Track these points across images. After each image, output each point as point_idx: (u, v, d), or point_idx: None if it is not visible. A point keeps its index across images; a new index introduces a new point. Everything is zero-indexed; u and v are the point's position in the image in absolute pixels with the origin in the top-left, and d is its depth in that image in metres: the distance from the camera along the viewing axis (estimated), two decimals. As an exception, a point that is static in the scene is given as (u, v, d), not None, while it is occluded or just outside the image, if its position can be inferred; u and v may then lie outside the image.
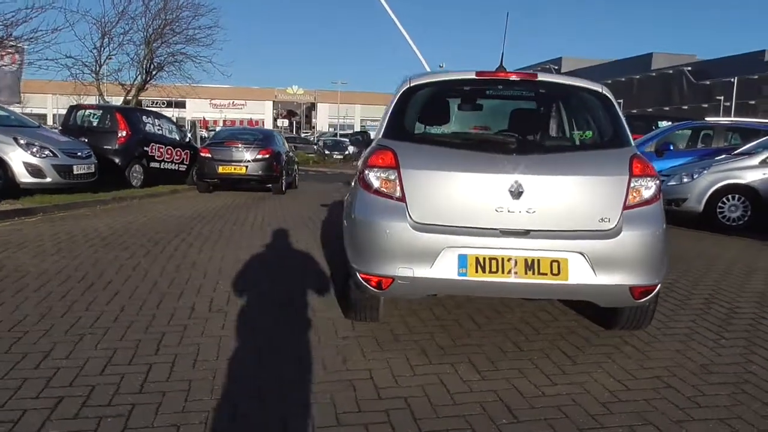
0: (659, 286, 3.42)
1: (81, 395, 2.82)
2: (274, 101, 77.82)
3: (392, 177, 3.38)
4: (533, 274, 3.23)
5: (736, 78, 37.92)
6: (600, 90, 3.67)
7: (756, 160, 8.75)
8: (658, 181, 3.40)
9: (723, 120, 16.10)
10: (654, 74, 67.61)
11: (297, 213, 9.71)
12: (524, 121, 4.01)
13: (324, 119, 78.24)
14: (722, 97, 40.70)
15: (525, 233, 3.27)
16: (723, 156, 9.64)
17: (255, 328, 3.85)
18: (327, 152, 35.03)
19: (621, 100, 66.90)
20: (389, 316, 3.98)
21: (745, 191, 8.69)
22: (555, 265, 3.23)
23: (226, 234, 7.25)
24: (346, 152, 36.01)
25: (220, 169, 12.69)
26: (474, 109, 4.18)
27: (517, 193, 3.25)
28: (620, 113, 3.62)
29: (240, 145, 12.90)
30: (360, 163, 3.64)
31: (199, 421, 2.61)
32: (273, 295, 4.57)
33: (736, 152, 9.62)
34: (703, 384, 3.10)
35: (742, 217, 8.74)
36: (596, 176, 3.34)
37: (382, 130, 3.66)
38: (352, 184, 3.86)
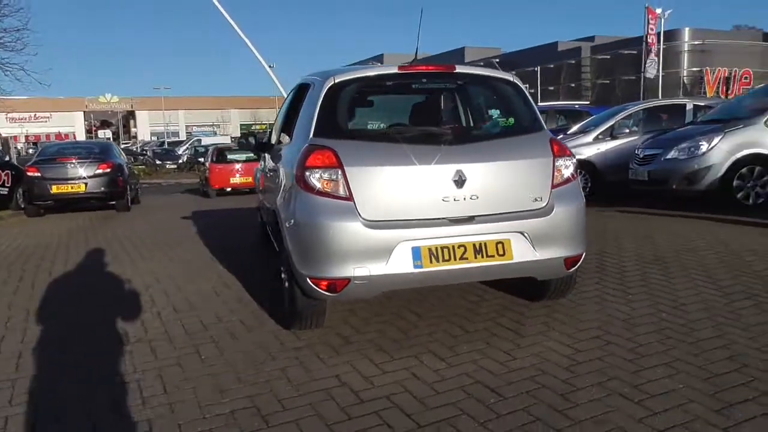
0: (584, 254, 3.75)
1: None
2: (85, 112, 71.21)
3: (336, 176, 3.31)
4: (482, 257, 3.36)
5: (539, 67, 42.06)
6: (511, 79, 3.91)
7: (590, 137, 9.85)
8: (574, 160, 3.71)
9: (555, 104, 17.90)
10: (466, 67, 72.77)
11: (164, 229, 9.03)
12: (447, 111, 4.14)
13: (145, 128, 73.23)
14: (528, 85, 44.91)
15: (470, 219, 3.39)
16: (560, 136, 10.71)
17: (196, 356, 3.55)
18: (159, 162, 32.92)
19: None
20: (329, 320, 3.89)
21: (585, 165, 9.74)
22: (500, 246, 3.39)
23: (98, 262, 6.53)
24: (180, 161, 34.22)
25: (55, 189, 11.35)
26: (397, 103, 4.23)
27: (460, 182, 3.35)
28: (531, 100, 3.89)
29: (75, 161, 11.63)
30: (294, 165, 3.50)
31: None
32: (197, 318, 4.24)
33: (570, 132, 10.74)
34: (635, 336, 3.46)
35: (584, 189, 9.79)
36: (526, 159, 3.56)
37: (312, 128, 3.55)
38: (283, 187, 3.70)
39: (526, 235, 3.43)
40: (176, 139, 57.15)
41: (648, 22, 21.73)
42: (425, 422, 2.63)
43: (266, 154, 5.74)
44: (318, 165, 3.35)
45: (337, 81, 3.64)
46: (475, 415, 2.67)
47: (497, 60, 70.09)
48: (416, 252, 3.28)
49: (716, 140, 7.21)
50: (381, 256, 3.25)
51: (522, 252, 3.42)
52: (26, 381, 3.23)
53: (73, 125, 70.37)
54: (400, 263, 3.26)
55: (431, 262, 3.29)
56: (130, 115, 76.54)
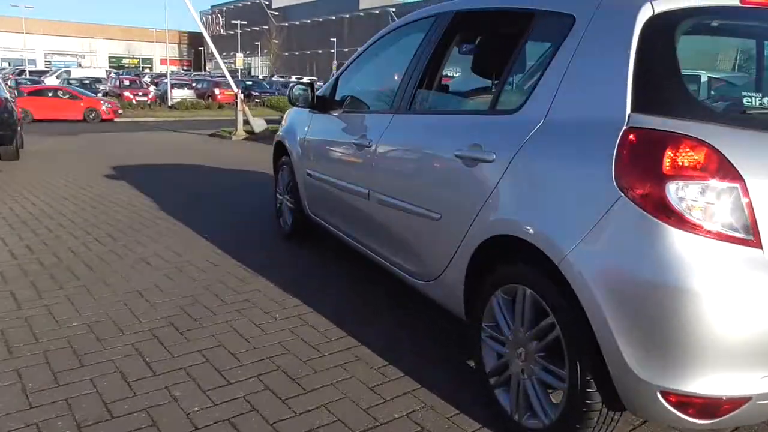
0: None
1: None
2: None
3: (730, 198, 1.68)
4: None
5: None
6: None
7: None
8: None
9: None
10: (362, 14, 70.33)
11: (101, 189, 6.60)
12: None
13: (-8, 51, 63.39)
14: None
15: None
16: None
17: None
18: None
19: (334, 39, 68.59)
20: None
21: None
22: None
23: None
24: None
25: None
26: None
27: None
28: None
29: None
30: (604, 163, 1.81)
31: None
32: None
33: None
34: None
35: None
36: None
37: (627, 96, 1.86)
38: (589, 203, 1.94)
39: None
40: (33, 68, 49.78)
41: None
42: None
43: (322, 115, 3.93)
44: (689, 174, 1.69)
45: (659, 11, 1.94)
46: None
47: (393, 10, 68.80)
48: None
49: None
50: None
51: None
52: None
53: None
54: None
55: None
56: (-28, 35, 65.80)
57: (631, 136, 1.81)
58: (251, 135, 14.72)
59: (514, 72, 2.51)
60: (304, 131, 4.19)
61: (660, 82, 1.88)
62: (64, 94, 21.05)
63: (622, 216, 1.78)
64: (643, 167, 1.76)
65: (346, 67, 3.88)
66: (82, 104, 20.65)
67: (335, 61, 67.27)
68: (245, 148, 12.47)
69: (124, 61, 78.33)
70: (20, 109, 18.99)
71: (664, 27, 1.93)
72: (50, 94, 20.87)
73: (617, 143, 1.82)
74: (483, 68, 2.86)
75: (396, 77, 3.21)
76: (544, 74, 2.21)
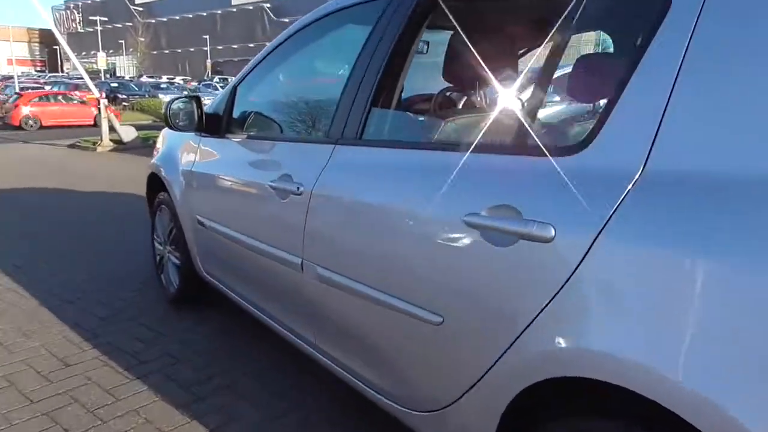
0: None
1: None
2: None
3: None
4: None
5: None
6: None
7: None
8: None
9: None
10: (235, 10, 67.46)
11: None
12: None
13: None
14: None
15: None
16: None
17: None
18: None
19: (207, 36, 65.33)
20: None
21: None
22: None
23: None
24: None
25: None
26: None
27: None
28: None
29: None
30: None
31: None
32: None
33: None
34: None
35: None
36: None
37: None
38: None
39: None
40: None
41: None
42: None
43: (216, 139, 2.83)
44: None
45: None
46: None
47: (268, 6, 66.90)
48: None
49: None
50: None
51: None
52: None
53: None
54: None
55: None
56: None
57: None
58: (119, 145, 12.93)
59: (554, 82, 1.58)
60: (191, 161, 3.01)
61: None
62: (68, 99, 20.07)
63: None
64: None
65: (248, 73, 2.75)
66: (93, 109, 19.19)
67: (209, 60, 64.06)
68: (113, 162, 10.77)
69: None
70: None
71: None
72: (52, 100, 19.63)
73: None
74: (481, 75, 1.90)
75: (331, 88, 2.17)
76: (627, 86, 1.28)
